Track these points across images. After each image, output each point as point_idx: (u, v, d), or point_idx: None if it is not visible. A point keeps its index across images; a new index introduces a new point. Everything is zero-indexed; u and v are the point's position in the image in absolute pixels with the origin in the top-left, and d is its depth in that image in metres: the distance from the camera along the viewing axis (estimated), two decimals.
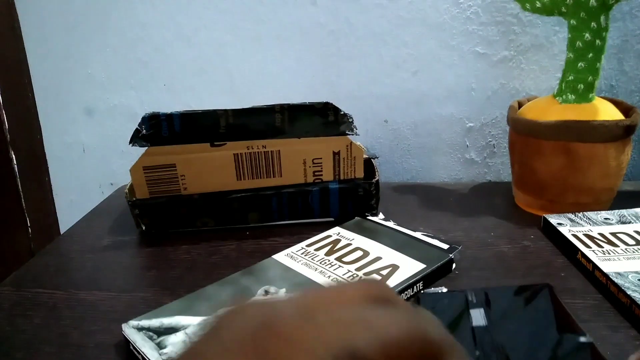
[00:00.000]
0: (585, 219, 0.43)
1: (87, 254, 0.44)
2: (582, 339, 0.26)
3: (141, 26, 0.62)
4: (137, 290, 0.38)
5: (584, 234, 0.40)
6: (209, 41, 0.61)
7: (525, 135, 0.46)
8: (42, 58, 0.65)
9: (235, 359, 0.11)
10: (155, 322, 0.31)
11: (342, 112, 0.44)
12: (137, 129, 0.42)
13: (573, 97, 0.45)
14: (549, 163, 0.44)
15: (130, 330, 0.30)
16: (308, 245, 0.40)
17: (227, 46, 0.61)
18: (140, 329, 0.30)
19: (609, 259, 0.36)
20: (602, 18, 0.42)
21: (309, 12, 0.59)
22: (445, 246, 0.39)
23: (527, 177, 0.47)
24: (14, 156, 0.65)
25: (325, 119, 0.44)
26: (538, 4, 0.44)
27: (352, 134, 0.45)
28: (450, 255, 0.38)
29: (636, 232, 0.40)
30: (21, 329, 0.34)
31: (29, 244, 0.67)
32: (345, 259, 0.38)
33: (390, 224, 0.44)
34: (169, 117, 0.42)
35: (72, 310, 0.35)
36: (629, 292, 0.32)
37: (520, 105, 0.50)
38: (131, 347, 0.30)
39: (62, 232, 0.61)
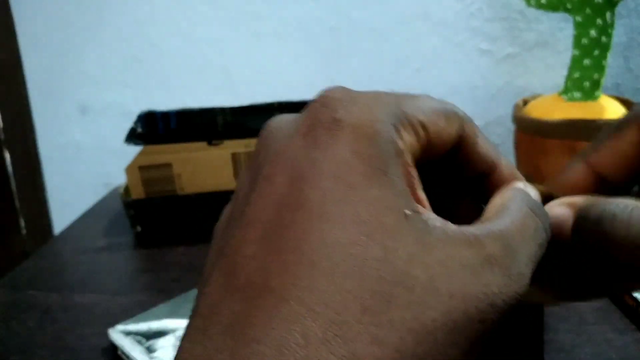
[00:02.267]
0: None
1: (82, 256, 0.43)
2: None
3: (136, 22, 0.61)
4: (132, 292, 0.37)
5: None
6: (206, 37, 0.61)
7: (530, 134, 0.45)
8: (36, 56, 0.64)
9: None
10: (143, 326, 0.31)
11: None
12: (132, 127, 0.42)
13: (579, 95, 0.44)
14: (555, 162, 0.44)
15: (117, 335, 0.30)
16: None
17: (225, 42, 0.60)
18: (128, 333, 0.30)
19: None
20: (608, 15, 0.42)
21: (309, 8, 0.58)
22: None
23: (532, 177, 0.47)
24: (8, 156, 0.64)
25: None
26: (543, 0, 0.43)
27: None
28: None
29: None
30: (15, 332, 0.33)
31: (22, 245, 0.67)
32: None
33: None
34: (165, 115, 0.42)
35: (67, 313, 0.35)
36: (635, 294, 0.32)
37: (525, 103, 0.50)
38: (119, 352, 0.29)
39: (56, 234, 0.61)
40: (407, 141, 0.12)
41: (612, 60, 0.54)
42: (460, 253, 0.11)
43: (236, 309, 0.10)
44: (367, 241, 0.10)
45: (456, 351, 0.11)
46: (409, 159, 0.12)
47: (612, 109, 0.44)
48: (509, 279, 0.11)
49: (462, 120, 0.14)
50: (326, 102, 0.12)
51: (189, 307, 0.33)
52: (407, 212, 0.11)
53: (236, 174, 0.44)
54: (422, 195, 0.12)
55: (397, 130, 0.12)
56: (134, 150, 0.43)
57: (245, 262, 0.11)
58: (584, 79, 0.44)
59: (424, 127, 0.13)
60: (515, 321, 0.23)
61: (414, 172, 0.12)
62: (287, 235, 0.11)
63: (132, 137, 0.42)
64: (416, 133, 0.13)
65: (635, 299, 0.32)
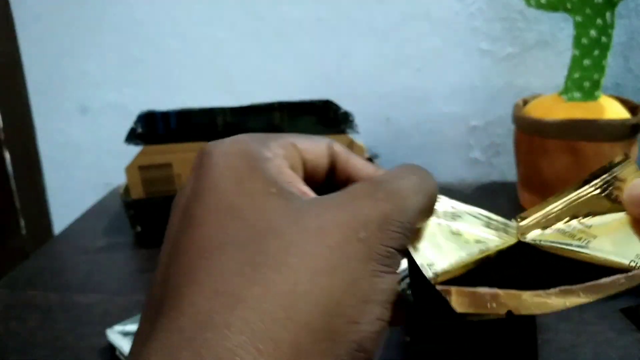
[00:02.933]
0: None
1: (82, 256, 0.43)
2: None
3: (136, 23, 0.61)
4: (132, 292, 0.37)
5: None
6: (206, 38, 0.60)
7: (530, 134, 0.45)
8: (36, 56, 0.64)
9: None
10: None
11: (343, 110, 0.43)
12: (132, 127, 0.42)
13: (579, 95, 0.44)
14: (555, 162, 0.44)
15: (115, 335, 0.30)
16: None
17: (225, 43, 0.60)
18: (125, 334, 0.30)
19: None
20: (608, 15, 0.42)
21: (309, 8, 0.58)
22: None
23: (532, 177, 0.47)
24: (8, 156, 0.64)
25: (325, 117, 0.43)
26: (543, 0, 0.43)
27: (353, 133, 0.44)
28: None
29: None
30: (15, 332, 0.33)
31: (22, 245, 0.67)
32: None
33: None
34: (165, 115, 0.42)
35: (67, 313, 0.35)
36: None
37: (525, 103, 0.50)
38: (117, 353, 0.29)
39: (56, 233, 0.61)
40: (278, 153, 0.14)
41: (612, 61, 0.54)
42: (327, 199, 0.13)
43: (146, 329, 0.12)
44: (239, 220, 0.12)
45: (342, 278, 0.12)
46: (282, 163, 0.14)
47: (612, 109, 0.44)
48: (376, 200, 0.13)
49: (328, 141, 0.16)
50: (203, 150, 0.14)
51: None
52: (273, 190, 0.13)
53: None
54: (305, 189, 0.14)
55: (266, 147, 0.14)
56: (134, 150, 0.43)
57: (152, 301, 0.13)
58: (584, 79, 0.44)
59: (293, 145, 0.15)
60: (508, 320, 0.23)
61: (289, 172, 0.14)
62: (179, 255, 0.12)
63: (132, 137, 0.42)
64: (286, 148, 0.15)
65: None
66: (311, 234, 0.12)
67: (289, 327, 0.11)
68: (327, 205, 0.13)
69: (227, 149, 0.14)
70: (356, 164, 0.16)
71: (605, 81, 0.44)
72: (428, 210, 0.14)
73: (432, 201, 0.14)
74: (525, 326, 0.24)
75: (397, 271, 0.13)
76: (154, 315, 0.12)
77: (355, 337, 0.11)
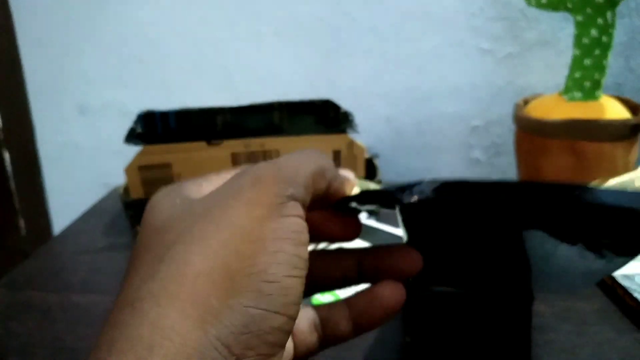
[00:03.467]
0: None
1: (82, 256, 0.43)
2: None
3: (135, 22, 0.61)
4: None
5: None
6: (206, 37, 0.60)
7: (531, 134, 0.45)
8: (35, 55, 0.64)
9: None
10: None
11: (343, 110, 0.43)
12: (131, 127, 0.42)
13: (580, 94, 0.44)
14: (556, 162, 0.44)
15: None
16: None
17: (224, 42, 0.60)
18: None
19: None
20: (609, 14, 0.42)
21: (308, 7, 0.58)
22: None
23: (533, 177, 0.47)
24: (7, 156, 0.64)
25: (325, 116, 0.43)
26: (543, 0, 0.43)
27: (353, 132, 0.44)
28: None
29: None
30: (15, 333, 0.33)
31: (22, 245, 0.66)
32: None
33: (376, 223, 0.43)
34: (165, 115, 0.42)
35: (67, 314, 0.35)
36: (635, 295, 0.32)
37: (526, 103, 0.50)
38: None
39: (55, 234, 0.61)
40: (201, 182, 0.17)
41: (613, 60, 0.54)
42: (217, 189, 0.16)
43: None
44: (151, 231, 0.15)
45: (228, 231, 0.14)
46: (202, 188, 0.17)
47: (613, 109, 0.44)
48: (250, 172, 0.15)
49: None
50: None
51: None
52: (177, 201, 0.16)
53: None
54: None
55: (192, 182, 0.17)
56: (134, 150, 0.43)
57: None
58: (585, 78, 0.44)
59: (217, 174, 0.18)
60: (502, 319, 0.23)
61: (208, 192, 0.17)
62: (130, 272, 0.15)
63: (132, 137, 0.42)
64: (210, 179, 0.18)
65: (635, 299, 0.31)
66: (199, 216, 0.15)
67: (185, 281, 0.13)
68: (213, 193, 0.16)
69: (162, 192, 0.17)
70: None
71: (606, 81, 0.44)
72: (315, 166, 0.16)
73: (313, 159, 0.16)
74: (520, 327, 0.24)
75: (296, 215, 0.15)
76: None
77: (255, 269, 0.13)
